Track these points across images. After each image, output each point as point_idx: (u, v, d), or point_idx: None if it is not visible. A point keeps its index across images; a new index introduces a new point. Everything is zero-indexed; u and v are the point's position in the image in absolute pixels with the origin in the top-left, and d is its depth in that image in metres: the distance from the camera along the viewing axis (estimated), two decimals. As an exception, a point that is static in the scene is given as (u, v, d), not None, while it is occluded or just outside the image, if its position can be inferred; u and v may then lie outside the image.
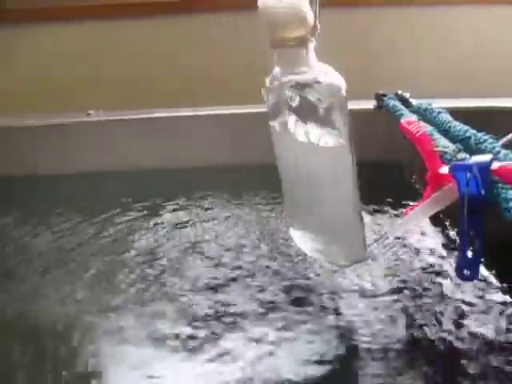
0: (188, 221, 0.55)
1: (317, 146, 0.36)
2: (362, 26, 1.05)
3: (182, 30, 1.06)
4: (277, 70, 0.36)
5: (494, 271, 0.42)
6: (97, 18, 1.05)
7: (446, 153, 0.41)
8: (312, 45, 0.34)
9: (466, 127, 0.44)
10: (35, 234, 0.54)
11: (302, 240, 0.42)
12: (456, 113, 0.50)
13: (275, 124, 0.38)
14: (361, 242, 0.38)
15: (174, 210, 0.58)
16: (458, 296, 0.40)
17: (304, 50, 0.34)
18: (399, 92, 0.62)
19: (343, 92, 0.34)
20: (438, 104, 0.54)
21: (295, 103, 0.36)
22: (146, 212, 0.58)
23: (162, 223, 0.55)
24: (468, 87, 0.76)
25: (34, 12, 1.05)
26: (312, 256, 0.41)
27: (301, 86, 0.35)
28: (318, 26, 0.33)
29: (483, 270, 0.42)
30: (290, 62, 0.35)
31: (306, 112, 0.36)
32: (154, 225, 0.55)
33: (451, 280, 0.41)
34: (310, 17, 0.33)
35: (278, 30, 0.33)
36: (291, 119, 0.37)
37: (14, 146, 0.68)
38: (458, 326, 0.36)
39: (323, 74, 0.35)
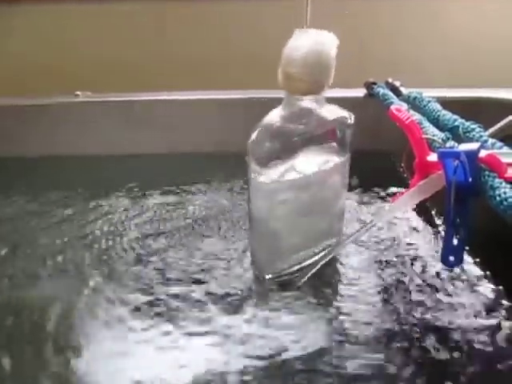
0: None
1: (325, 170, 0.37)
2: (354, 13, 1.05)
3: (182, 16, 1.03)
4: (276, 113, 0.36)
5: (478, 259, 0.43)
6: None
7: (435, 141, 0.41)
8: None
9: (454, 116, 0.45)
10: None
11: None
12: (445, 102, 0.50)
13: (265, 175, 0.36)
14: None
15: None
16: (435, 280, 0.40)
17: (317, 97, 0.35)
18: (389, 80, 0.62)
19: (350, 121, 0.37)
20: (428, 93, 0.54)
21: (302, 139, 0.35)
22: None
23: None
24: (460, 77, 0.76)
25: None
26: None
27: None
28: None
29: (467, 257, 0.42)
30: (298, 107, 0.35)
31: (312, 143, 0.36)
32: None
33: (432, 265, 0.42)
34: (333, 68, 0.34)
35: (299, 74, 0.33)
36: (297, 157, 0.36)
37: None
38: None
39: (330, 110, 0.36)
